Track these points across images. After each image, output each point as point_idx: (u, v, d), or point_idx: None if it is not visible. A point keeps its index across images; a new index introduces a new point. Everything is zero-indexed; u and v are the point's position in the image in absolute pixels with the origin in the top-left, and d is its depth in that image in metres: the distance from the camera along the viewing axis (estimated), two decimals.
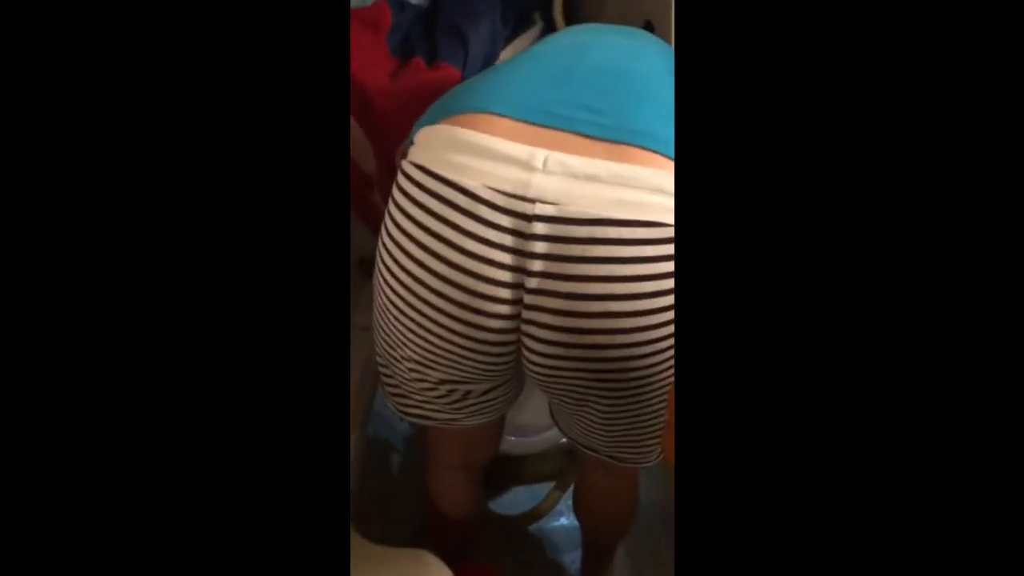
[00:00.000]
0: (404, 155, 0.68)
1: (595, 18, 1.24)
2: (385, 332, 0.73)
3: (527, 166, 0.61)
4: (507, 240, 0.62)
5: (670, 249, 0.60)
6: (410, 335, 0.68)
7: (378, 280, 0.70)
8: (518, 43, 1.15)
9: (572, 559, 1.17)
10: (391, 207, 0.67)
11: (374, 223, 0.82)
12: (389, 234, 0.67)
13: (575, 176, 0.61)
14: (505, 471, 1.23)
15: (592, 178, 0.61)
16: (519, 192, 0.61)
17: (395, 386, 0.79)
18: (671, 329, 0.63)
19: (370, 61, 0.98)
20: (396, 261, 0.66)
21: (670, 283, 0.61)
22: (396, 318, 0.69)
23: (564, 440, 0.96)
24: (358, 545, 0.77)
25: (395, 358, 0.74)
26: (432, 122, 0.68)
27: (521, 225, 0.61)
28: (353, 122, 0.99)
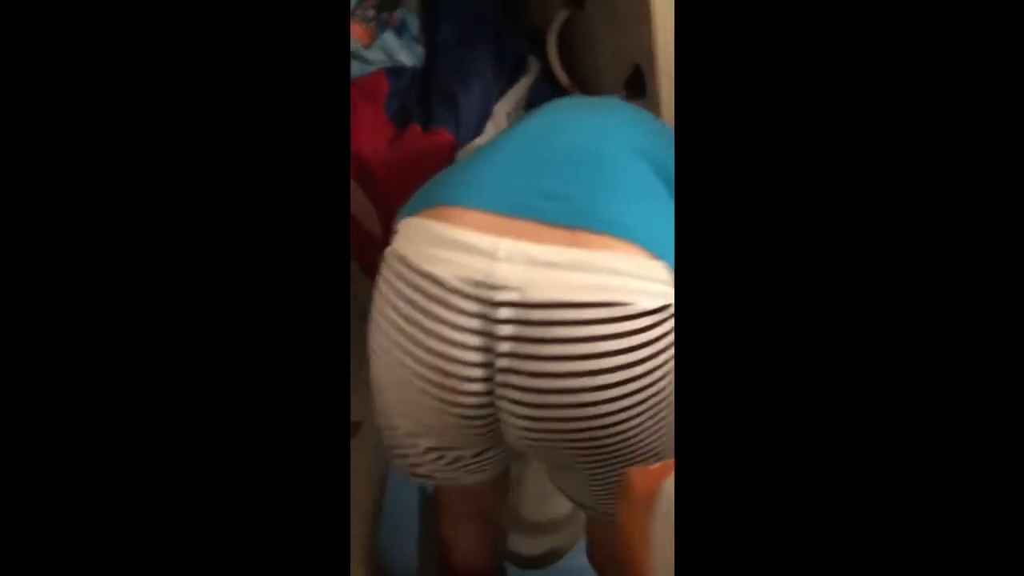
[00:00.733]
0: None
1: (588, 61, 1.27)
2: (378, 402, 0.79)
3: (492, 256, 0.66)
4: (476, 325, 0.67)
5: (627, 326, 0.64)
6: (396, 409, 0.74)
7: (369, 356, 0.76)
8: (512, 93, 1.19)
9: None
10: (376, 292, 0.73)
11: None
12: (375, 318, 0.73)
13: (535, 263, 0.65)
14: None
15: (551, 264, 0.65)
16: (485, 280, 0.66)
17: (394, 447, 0.85)
18: (637, 398, 0.67)
19: (369, 129, 1.04)
20: (380, 343, 0.72)
21: (631, 357, 0.65)
22: (383, 392, 0.75)
23: None
24: None
25: (389, 425, 0.80)
26: (412, 212, 0.73)
27: (488, 311, 0.66)
28: (357, 186, 1.05)
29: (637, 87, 1.12)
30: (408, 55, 1.19)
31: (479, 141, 1.08)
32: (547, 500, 1.13)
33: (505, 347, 0.67)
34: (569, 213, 0.67)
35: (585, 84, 1.34)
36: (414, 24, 1.26)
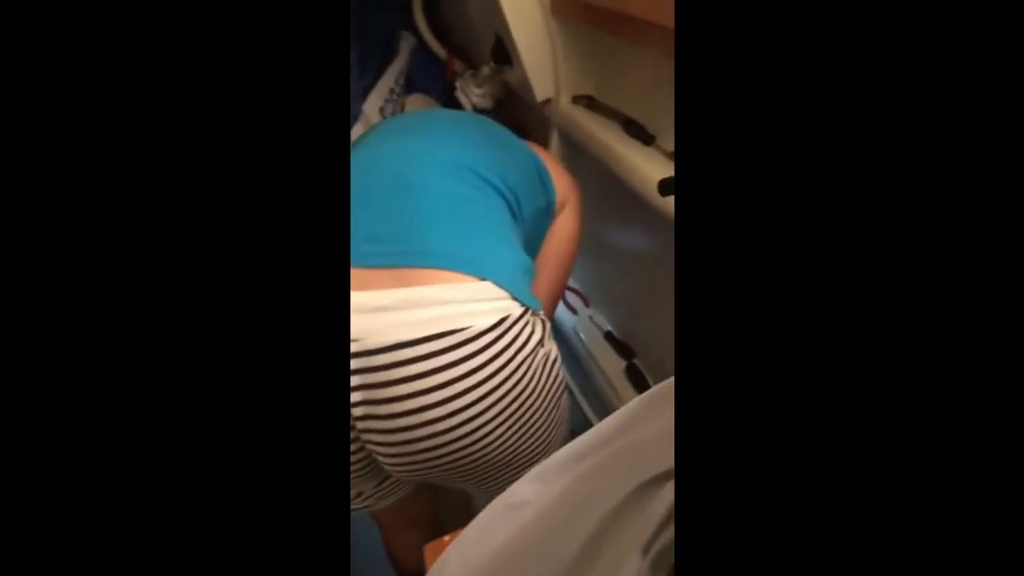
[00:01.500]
0: None
1: (462, 29, 1.20)
2: None
3: None
4: None
5: (469, 348, 0.63)
6: None
7: None
8: (383, 84, 1.14)
9: None
10: None
11: None
12: None
13: (366, 311, 0.63)
14: None
15: (383, 309, 0.63)
16: None
17: None
18: (496, 410, 0.67)
19: None
20: None
21: (480, 375, 0.64)
22: None
23: None
24: None
25: None
26: None
27: None
28: None
29: (502, 57, 1.06)
30: None
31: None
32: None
33: (357, 396, 0.66)
34: (391, 254, 0.65)
35: (462, 52, 1.27)
36: None
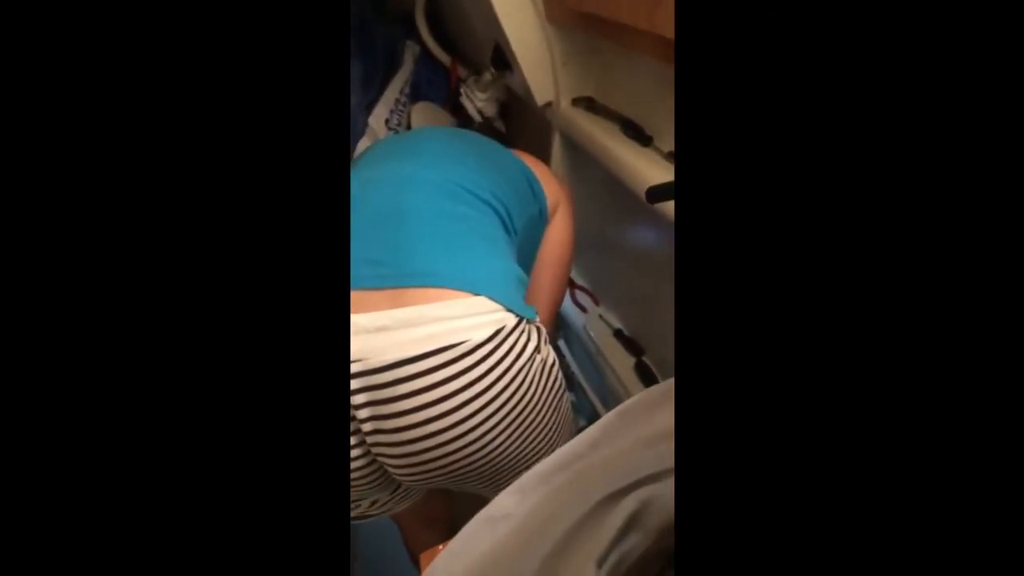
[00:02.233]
0: None
1: (463, 35, 1.22)
2: None
3: None
4: None
5: (466, 362, 0.66)
6: None
7: None
8: (388, 95, 1.16)
9: None
10: None
11: None
12: None
13: (368, 331, 0.66)
14: None
15: (382, 329, 0.66)
16: None
17: None
18: (497, 418, 0.69)
19: None
20: None
21: (479, 386, 0.67)
22: None
23: None
24: None
25: None
26: None
27: None
28: None
29: (502, 63, 1.08)
30: None
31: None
32: None
33: (364, 413, 0.68)
34: (388, 276, 0.69)
35: (465, 59, 1.29)
36: None
